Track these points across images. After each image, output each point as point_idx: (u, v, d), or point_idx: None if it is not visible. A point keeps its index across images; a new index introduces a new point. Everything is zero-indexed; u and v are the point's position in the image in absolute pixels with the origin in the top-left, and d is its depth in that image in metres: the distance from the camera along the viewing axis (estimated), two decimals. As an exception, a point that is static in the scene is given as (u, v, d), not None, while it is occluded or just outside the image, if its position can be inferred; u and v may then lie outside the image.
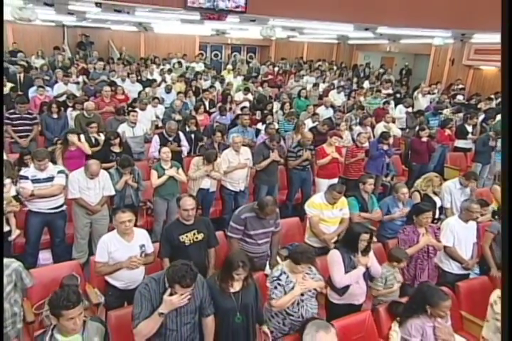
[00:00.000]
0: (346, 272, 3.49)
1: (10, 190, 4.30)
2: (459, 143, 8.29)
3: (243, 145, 6.03)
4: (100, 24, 11.65)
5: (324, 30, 11.36)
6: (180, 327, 2.72)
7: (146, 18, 9.49)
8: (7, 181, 4.26)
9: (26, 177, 4.29)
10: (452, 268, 4.27)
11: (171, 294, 2.59)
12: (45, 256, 4.78)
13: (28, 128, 6.44)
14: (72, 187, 4.48)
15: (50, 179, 4.39)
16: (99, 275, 3.46)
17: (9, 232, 4.33)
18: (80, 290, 2.45)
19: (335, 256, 3.54)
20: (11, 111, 6.48)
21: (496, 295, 3.25)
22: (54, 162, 5.26)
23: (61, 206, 4.55)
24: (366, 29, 9.46)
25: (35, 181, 4.31)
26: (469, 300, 4.01)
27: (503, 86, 3.54)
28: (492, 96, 10.84)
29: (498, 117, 8.89)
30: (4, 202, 4.14)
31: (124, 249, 3.36)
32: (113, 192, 4.72)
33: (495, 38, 9.95)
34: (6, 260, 3.09)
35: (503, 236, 3.26)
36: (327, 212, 4.43)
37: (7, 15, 6.73)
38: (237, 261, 2.88)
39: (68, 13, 8.55)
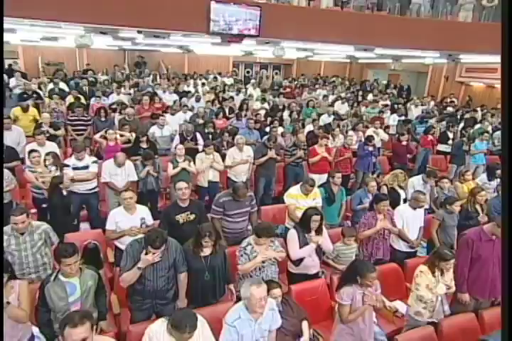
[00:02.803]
0: (300, 247, 3.59)
1: (55, 175, 4.56)
2: (441, 147, 8.12)
3: (248, 144, 6.23)
4: (151, 47, 12.06)
5: (330, 51, 11.28)
6: (155, 279, 2.94)
7: (181, 42, 9.73)
8: (53, 168, 4.61)
9: (68, 166, 4.64)
10: (401, 246, 4.31)
11: (146, 253, 2.82)
12: (85, 226, 5.06)
13: (83, 128, 6.86)
14: (104, 173, 4.80)
15: (86, 167, 4.71)
16: (108, 239, 3.76)
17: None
18: (77, 247, 2.72)
19: (292, 235, 3.65)
20: (71, 114, 6.98)
21: (418, 269, 3.27)
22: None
23: (94, 188, 4.87)
24: (365, 49, 9.34)
25: (75, 168, 4.65)
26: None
27: (502, 91, 3.44)
28: (478, 109, 10.48)
29: (477, 126, 8.67)
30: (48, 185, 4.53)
31: (127, 220, 3.62)
32: (136, 179, 4.97)
33: (483, 58, 9.63)
34: (38, 222, 3.44)
35: (504, 235, 3.16)
36: (302, 201, 4.47)
37: (72, 43, 7.18)
38: (204, 231, 3.07)
39: (122, 39, 8.99)
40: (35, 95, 8.42)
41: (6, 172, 4.49)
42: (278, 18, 7.42)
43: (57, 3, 5.43)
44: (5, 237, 3.23)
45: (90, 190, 4.82)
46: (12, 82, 10.14)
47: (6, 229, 3.27)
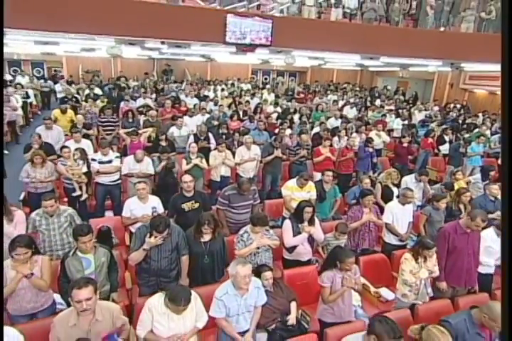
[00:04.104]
0: (294, 236, 3.66)
1: (82, 168, 4.90)
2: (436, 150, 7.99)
3: (258, 144, 6.35)
4: (177, 56, 12.32)
5: (339, 59, 11.22)
6: (159, 260, 3.09)
7: (202, 51, 9.90)
8: (80, 162, 4.88)
9: (95, 160, 4.91)
10: (391, 239, 4.31)
11: (150, 237, 2.99)
12: (109, 214, 5.26)
13: (112, 128, 7.11)
14: (124, 167, 5.01)
15: (110, 161, 4.94)
16: (124, 225, 3.96)
17: (80, 195, 4.94)
18: (92, 227, 2.92)
19: (286, 225, 3.73)
20: (102, 116, 7.28)
21: (403, 257, 3.33)
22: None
23: (117, 180, 5.07)
24: (371, 58, 9.27)
25: (100, 163, 4.89)
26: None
27: (502, 95, 3.38)
28: (479, 114, 10.22)
29: (476, 130, 8.48)
30: (76, 176, 4.80)
31: (140, 209, 3.80)
32: (153, 172, 5.13)
33: (485, 66, 9.39)
34: (64, 207, 3.67)
35: (503, 237, 3.16)
36: (297, 193, 4.56)
37: (104, 53, 7.48)
38: (204, 219, 3.20)
39: (150, 49, 9.25)
40: (74, 99, 8.86)
41: (50, 164, 4.80)
42: (289, 29, 7.48)
43: (90, 19, 5.70)
44: (37, 218, 3.51)
45: (113, 181, 5.04)
46: (57, 87, 10.69)
47: (39, 211, 3.55)
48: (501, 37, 3.41)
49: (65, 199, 5.11)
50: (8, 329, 2.15)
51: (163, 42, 7.09)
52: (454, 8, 8.53)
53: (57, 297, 3.06)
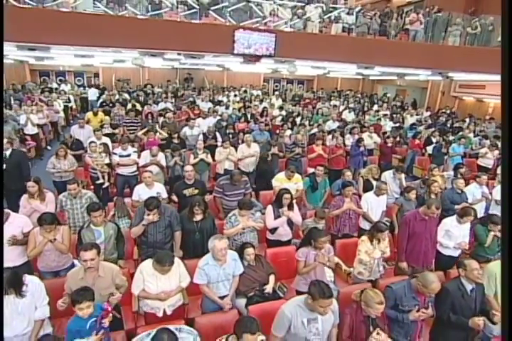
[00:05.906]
0: (275, 219, 3.82)
1: (105, 159, 5.21)
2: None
3: (259, 142, 6.52)
4: (197, 66, 12.61)
5: (340, 68, 11.22)
6: (155, 234, 3.32)
7: (217, 61, 10.11)
8: (103, 155, 5.21)
9: (115, 154, 5.20)
10: (365, 226, 4.37)
11: (147, 214, 3.22)
12: (127, 200, 5.65)
13: (134, 128, 7.36)
14: (141, 160, 5.26)
15: (128, 155, 5.21)
16: (134, 207, 4.22)
17: (103, 183, 5.26)
18: (101, 205, 3.20)
19: (268, 209, 3.90)
20: (126, 117, 7.62)
21: (360, 239, 3.44)
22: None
23: (134, 172, 5.32)
24: (366, 67, 9.26)
25: (120, 156, 5.17)
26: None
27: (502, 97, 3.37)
28: (467, 119, 10.04)
29: (460, 133, 8.37)
30: (99, 166, 5.12)
31: (146, 193, 4.00)
32: (164, 165, 5.33)
33: (471, 76, 9.27)
34: (85, 191, 3.97)
35: (503, 236, 3.17)
36: (285, 184, 4.65)
37: (129, 63, 7.80)
38: (195, 202, 3.41)
39: (171, 60, 9.53)
40: (111, 104, 9.29)
41: (71, 157, 5.15)
42: (291, 42, 7.62)
43: (116, 35, 6.04)
44: (63, 199, 3.84)
45: (131, 173, 5.30)
46: (92, 95, 11.23)
47: (65, 193, 3.87)
48: (501, 47, 3.36)
49: (92, 187, 5.44)
50: (33, 278, 2.48)
51: (179, 54, 7.34)
52: (443, 24, 8.49)
53: (77, 262, 3.34)
